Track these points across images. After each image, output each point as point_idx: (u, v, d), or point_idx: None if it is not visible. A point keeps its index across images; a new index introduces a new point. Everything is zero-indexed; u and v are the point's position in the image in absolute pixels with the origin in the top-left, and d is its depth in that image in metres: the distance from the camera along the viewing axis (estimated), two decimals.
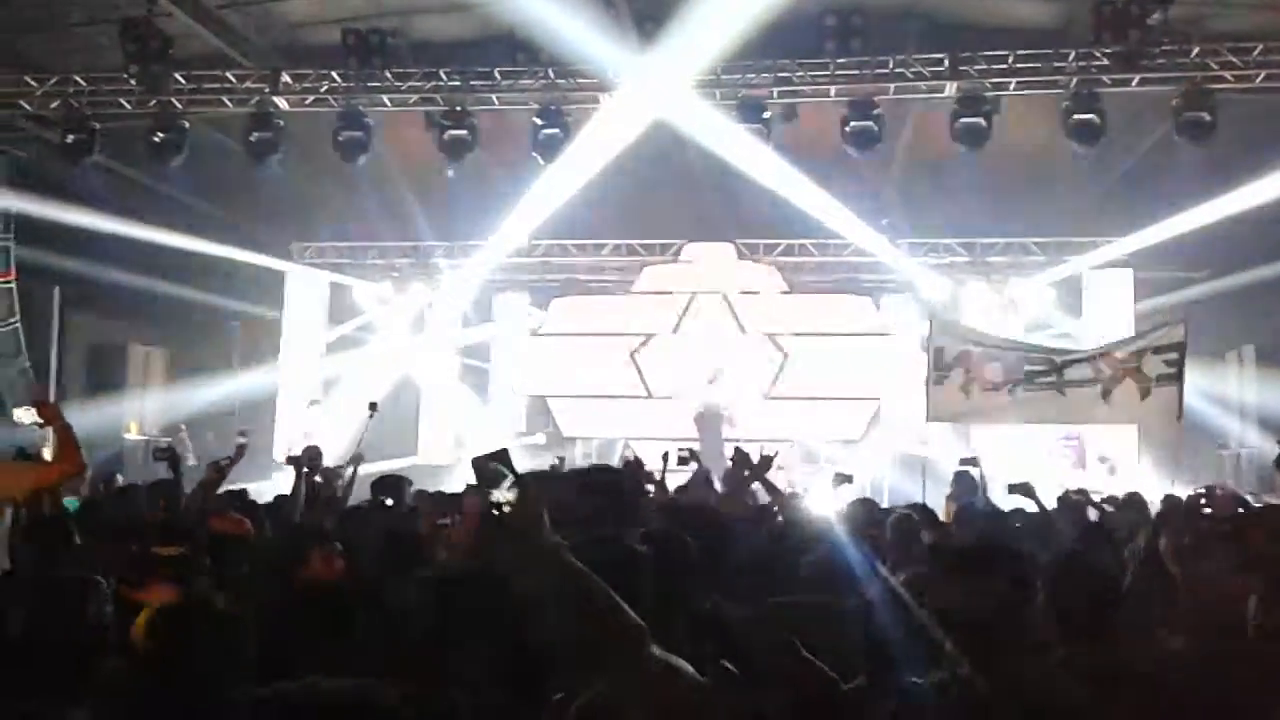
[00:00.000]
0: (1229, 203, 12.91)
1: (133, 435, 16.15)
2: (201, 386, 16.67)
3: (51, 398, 14.22)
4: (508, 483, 2.57)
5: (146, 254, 14.31)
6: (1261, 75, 12.45)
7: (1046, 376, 9.37)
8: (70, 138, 13.48)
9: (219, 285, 16.31)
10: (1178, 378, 8.94)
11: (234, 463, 7.42)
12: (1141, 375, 9.10)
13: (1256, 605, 3.35)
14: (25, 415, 6.54)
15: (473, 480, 2.68)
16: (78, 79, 13.57)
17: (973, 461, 8.68)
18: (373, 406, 9.37)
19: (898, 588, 4.27)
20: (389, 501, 7.20)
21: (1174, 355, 8.99)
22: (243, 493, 7.27)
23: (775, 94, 12.92)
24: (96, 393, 15.76)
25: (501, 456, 2.60)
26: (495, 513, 2.53)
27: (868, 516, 5.89)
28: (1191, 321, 9.37)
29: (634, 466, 7.19)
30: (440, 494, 7.65)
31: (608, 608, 2.34)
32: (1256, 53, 12.35)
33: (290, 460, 7.38)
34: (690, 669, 2.44)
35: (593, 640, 2.37)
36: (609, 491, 3.67)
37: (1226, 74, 12.39)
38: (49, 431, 6.40)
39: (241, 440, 8.34)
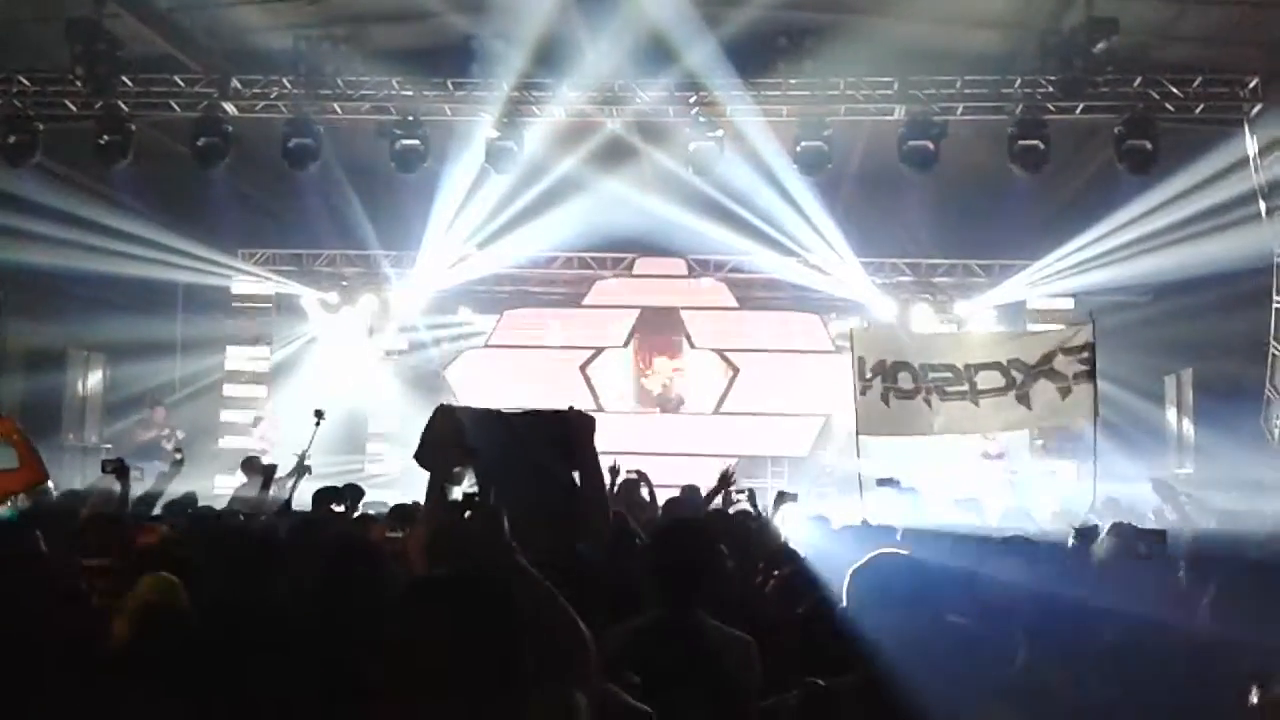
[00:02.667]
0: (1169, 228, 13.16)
1: (71, 441, 15.85)
2: (141, 394, 16.48)
3: None
4: (468, 482, 2.57)
5: (88, 259, 14.07)
6: (1201, 106, 12.78)
7: (957, 386, 9.39)
8: (12, 138, 13.23)
9: (162, 292, 16.06)
10: (1092, 375, 9.11)
11: (170, 477, 7.48)
12: (1057, 375, 9.22)
13: None
14: None
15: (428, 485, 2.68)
16: (21, 79, 13.34)
17: (890, 481, 8.74)
18: (319, 414, 9.31)
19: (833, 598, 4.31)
20: (340, 509, 7.18)
21: (1086, 355, 9.16)
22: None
23: (728, 112, 13.01)
24: (34, 397, 15.44)
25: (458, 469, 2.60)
26: (457, 515, 2.53)
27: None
28: (1130, 345, 9.58)
29: (635, 483, 7.30)
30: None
31: (562, 620, 2.34)
32: (1196, 84, 12.68)
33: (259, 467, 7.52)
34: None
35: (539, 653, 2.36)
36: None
37: (1168, 104, 12.71)
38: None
39: (178, 456, 8.33)
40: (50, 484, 9.77)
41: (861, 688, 2.66)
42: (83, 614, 3.36)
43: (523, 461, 3.33)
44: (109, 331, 15.93)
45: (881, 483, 8.77)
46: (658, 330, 17.31)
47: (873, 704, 2.60)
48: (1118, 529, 5.05)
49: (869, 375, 9.43)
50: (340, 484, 7.99)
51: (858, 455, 9.35)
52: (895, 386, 9.41)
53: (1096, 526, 5.86)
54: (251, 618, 3.42)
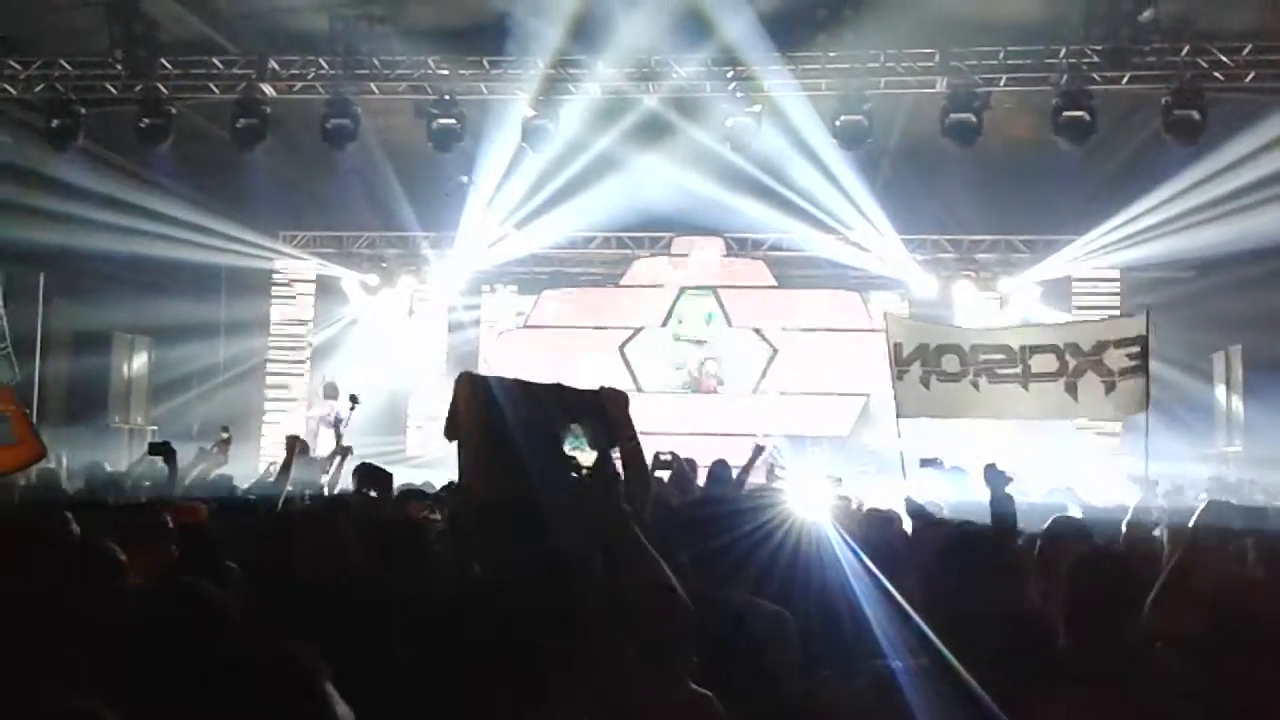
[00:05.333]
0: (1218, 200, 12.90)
1: (117, 423, 16.06)
2: (185, 376, 16.69)
3: (36, 383, 14.16)
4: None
5: (131, 242, 14.22)
6: (1251, 75, 12.47)
7: (1009, 368, 9.27)
8: (55, 122, 13.37)
9: (205, 275, 16.20)
10: (1143, 369, 8.94)
11: (220, 455, 7.49)
12: (1104, 369, 9.07)
13: None
14: None
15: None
16: (63, 63, 13.45)
17: (934, 461, 8.68)
18: (354, 399, 9.35)
19: (879, 575, 4.24)
20: (373, 493, 7.16)
21: (1136, 349, 8.97)
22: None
23: (766, 86, 12.86)
24: (80, 379, 15.65)
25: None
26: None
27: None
28: (1178, 322, 9.44)
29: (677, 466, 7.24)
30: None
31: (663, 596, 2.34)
32: (1246, 52, 12.37)
33: (289, 441, 7.51)
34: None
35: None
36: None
37: (1216, 73, 12.41)
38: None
39: (225, 436, 8.33)
40: (106, 465, 9.90)
41: (930, 671, 2.60)
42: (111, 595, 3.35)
43: (544, 435, 3.29)
44: (153, 314, 16.12)
45: (925, 463, 8.73)
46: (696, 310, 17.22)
47: (941, 687, 2.54)
48: (1212, 508, 4.85)
49: (906, 359, 9.37)
50: (380, 464, 7.98)
51: (898, 435, 9.28)
52: (939, 369, 9.32)
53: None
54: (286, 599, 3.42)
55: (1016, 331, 10.30)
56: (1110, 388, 9.07)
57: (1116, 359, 9.04)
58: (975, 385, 9.33)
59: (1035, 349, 9.31)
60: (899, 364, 9.34)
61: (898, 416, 9.38)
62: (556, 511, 2.79)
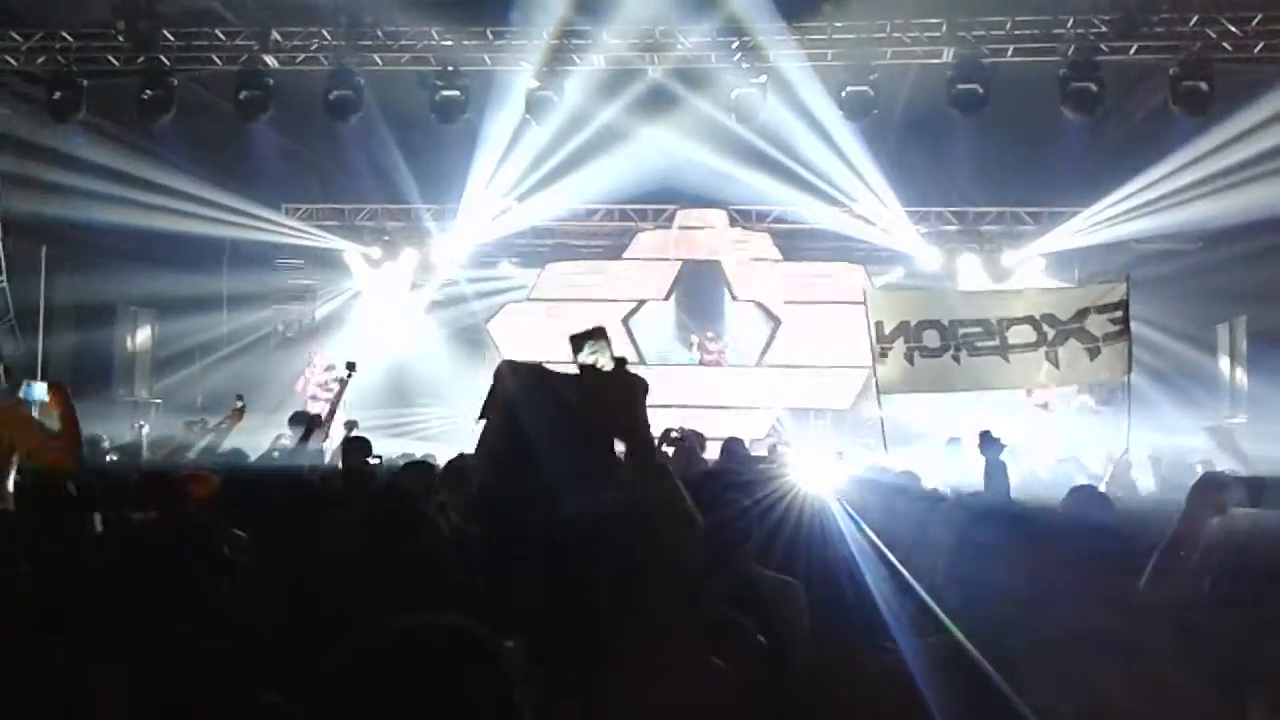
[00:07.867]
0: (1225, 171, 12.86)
1: (122, 396, 16.09)
2: (189, 349, 16.70)
3: (39, 357, 14.18)
4: (606, 353, 2.53)
5: (134, 215, 14.19)
6: (1259, 45, 12.40)
7: (987, 340, 9.34)
8: (57, 94, 13.30)
9: (208, 247, 16.17)
10: (1126, 333, 9.09)
11: (232, 424, 7.55)
12: (1086, 335, 9.19)
13: None
14: (38, 390, 6.46)
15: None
16: (64, 34, 13.39)
17: (957, 441, 8.72)
18: (351, 366, 9.39)
19: (891, 557, 4.26)
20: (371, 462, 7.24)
21: (1119, 314, 9.12)
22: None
23: (772, 57, 12.80)
24: (84, 353, 15.66)
25: (601, 334, 2.56)
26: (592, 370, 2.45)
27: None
28: (1183, 293, 9.48)
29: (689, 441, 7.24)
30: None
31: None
32: (1255, 23, 12.30)
33: (309, 420, 7.61)
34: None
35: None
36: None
37: (1224, 44, 12.34)
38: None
39: (239, 405, 8.37)
40: (106, 438, 9.90)
41: (950, 649, 2.62)
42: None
43: (564, 421, 3.28)
44: (157, 287, 16.10)
45: (952, 443, 8.77)
46: (699, 283, 17.20)
47: (961, 664, 2.56)
48: (1208, 478, 4.80)
49: (888, 336, 9.43)
50: (384, 437, 8.04)
51: (879, 410, 9.39)
52: (920, 345, 9.39)
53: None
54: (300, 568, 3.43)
55: (994, 300, 10.36)
56: (1094, 353, 9.21)
57: (1099, 324, 9.17)
58: (956, 359, 9.42)
59: (1011, 321, 9.38)
60: (881, 342, 9.41)
61: (879, 394, 9.54)
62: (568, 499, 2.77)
